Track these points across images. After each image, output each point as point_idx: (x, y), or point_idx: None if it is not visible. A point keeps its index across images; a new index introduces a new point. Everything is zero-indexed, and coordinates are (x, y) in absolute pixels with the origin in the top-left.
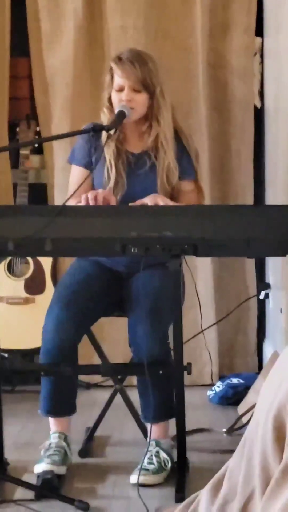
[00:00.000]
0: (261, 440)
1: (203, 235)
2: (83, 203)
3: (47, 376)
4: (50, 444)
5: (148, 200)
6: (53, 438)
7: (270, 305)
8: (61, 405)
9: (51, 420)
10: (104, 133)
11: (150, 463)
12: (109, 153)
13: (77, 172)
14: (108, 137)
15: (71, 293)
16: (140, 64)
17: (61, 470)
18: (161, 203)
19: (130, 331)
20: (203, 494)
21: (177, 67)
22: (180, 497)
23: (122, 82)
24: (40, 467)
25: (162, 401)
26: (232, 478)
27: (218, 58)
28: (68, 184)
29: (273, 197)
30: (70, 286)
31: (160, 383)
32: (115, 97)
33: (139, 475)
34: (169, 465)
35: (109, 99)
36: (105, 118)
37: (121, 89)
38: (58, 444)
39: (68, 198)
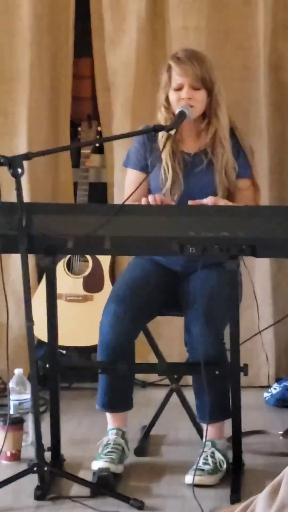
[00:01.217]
0: None
1: (261, 236)
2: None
3: (104, 374)
4: (108, 441)
5: (208, 201)
6: (111, 435)
7: None
8: (118, 400)
9: (108, 415)
10: (160, 135)
11: (206, 463)
12: (165, 153)
13: (133, 176)
14: (169, 137)
15: (128, 289)
16: (198, 62)
17: (118, 469)
18: (221, 203)
19: (186, 331)
20: (261, 498)
21: (238, 67)
22: (235, 499)
23: (181, 80)
24: (97, 464)
25: (218, 402)
26: None
27: (280, 58)
28: (125, 187)
29: None
30: (128, 283)
31: (216, 384)
32: (173, 96)
33: (194, 475)
34: (225, 466)
35: (166, 98)
36: (162, 117)
37: (180, 88)
38: (116, 441)
39: (126, 200)
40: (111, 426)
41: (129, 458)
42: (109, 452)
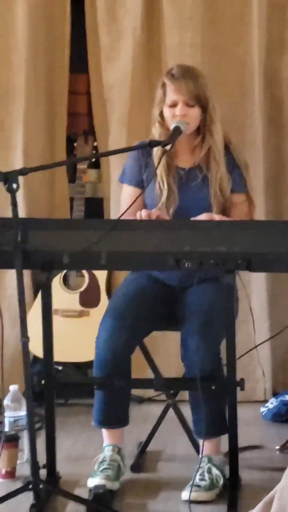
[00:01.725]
0: None
1: (257, 250)
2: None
3: (100, 389)
4: (104, 457)
5: (203, 217)
6: (107, 451)
7: None
8: (114, 416)
9: (104, 432)
10: (155, 150)
11: (202, 479)
12: (160, 168)
13: (128, 191)
14: (164, 152)
15: (124, 304)
16: (193, 79)
17: (115, 485)
18: (216, 218)
19: (183, 346)
20: None
21: (233, 83)
22: None
23: (176, 97)
24: (93, 482)
25: (215, 417)
26: (283, 498)
27: (274, 74)
28: (120, 202)
29: None
30: (124, 297)
31: (213, 399)
32: (168, 112)
33: (190, 491)
34: (221, 481)
35: (161, 114)
36: (157, 133)
37: (174, 104)
38: (112, 457)
39: (121, 215)
40: (107, 443)
41: (125, 474)
42: (105, 469)
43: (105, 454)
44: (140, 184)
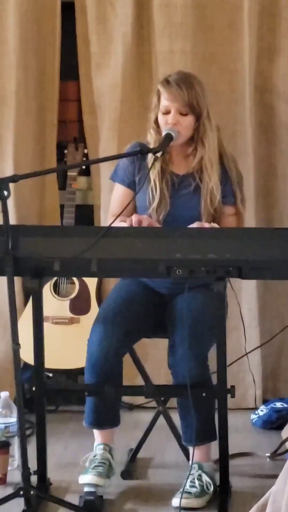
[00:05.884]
0: None
1: (248, 258)
2: (127, 225)
3: (91, 396)
4: (95, 455)
5: (195, 226)
6: (98, 450)
7: None
8: (105, 417)
9: (95, 432)
10: (149, 155)
11: (193, 486)
12: (154, 173)
13: (120, 191)
14: (155, 159)
15: (115, 310)
16: (187, 87)
17: (106, 482)
18: (207, 226)
19: (170, 353)
20: None
21: (224, 90)
22: None
23: (169, 105)
24: (85, 478)
25: (204, 424)
26: (276, 503)
27: (265, 81)
28: (111, 202)
29: None
30: (114, 304)
31: (202, 406)
32: (161, 119)
33: (181, 498)
34: (212, 488)
35: (156, 120)
36: (151, 139)
37: (167, 112)
38: (103, 456)
39: (113, 221)
40: (98, 442)
41: (116, 481)
42: (96, 466)
43: (96, 452)
44: (132, 185)
